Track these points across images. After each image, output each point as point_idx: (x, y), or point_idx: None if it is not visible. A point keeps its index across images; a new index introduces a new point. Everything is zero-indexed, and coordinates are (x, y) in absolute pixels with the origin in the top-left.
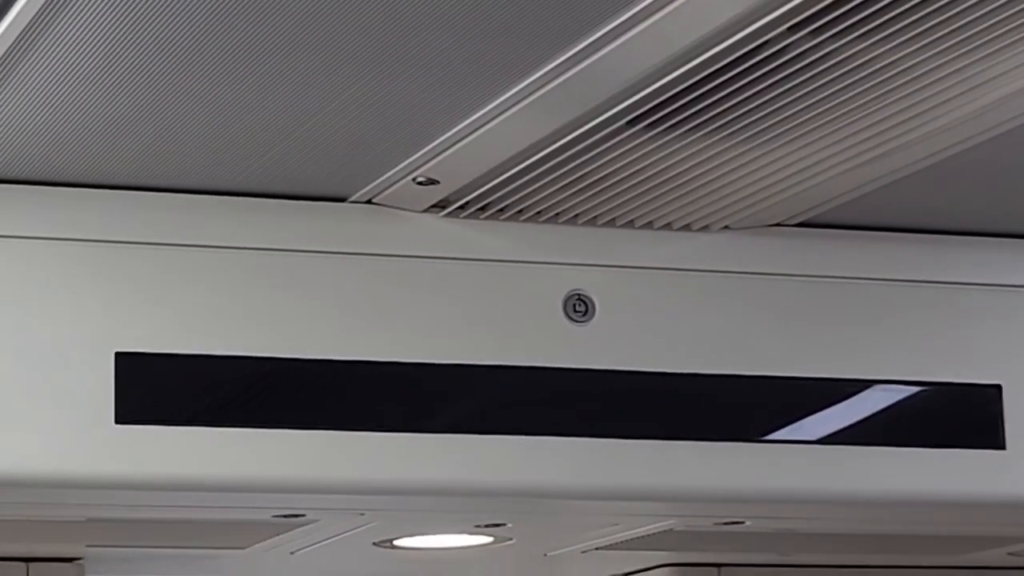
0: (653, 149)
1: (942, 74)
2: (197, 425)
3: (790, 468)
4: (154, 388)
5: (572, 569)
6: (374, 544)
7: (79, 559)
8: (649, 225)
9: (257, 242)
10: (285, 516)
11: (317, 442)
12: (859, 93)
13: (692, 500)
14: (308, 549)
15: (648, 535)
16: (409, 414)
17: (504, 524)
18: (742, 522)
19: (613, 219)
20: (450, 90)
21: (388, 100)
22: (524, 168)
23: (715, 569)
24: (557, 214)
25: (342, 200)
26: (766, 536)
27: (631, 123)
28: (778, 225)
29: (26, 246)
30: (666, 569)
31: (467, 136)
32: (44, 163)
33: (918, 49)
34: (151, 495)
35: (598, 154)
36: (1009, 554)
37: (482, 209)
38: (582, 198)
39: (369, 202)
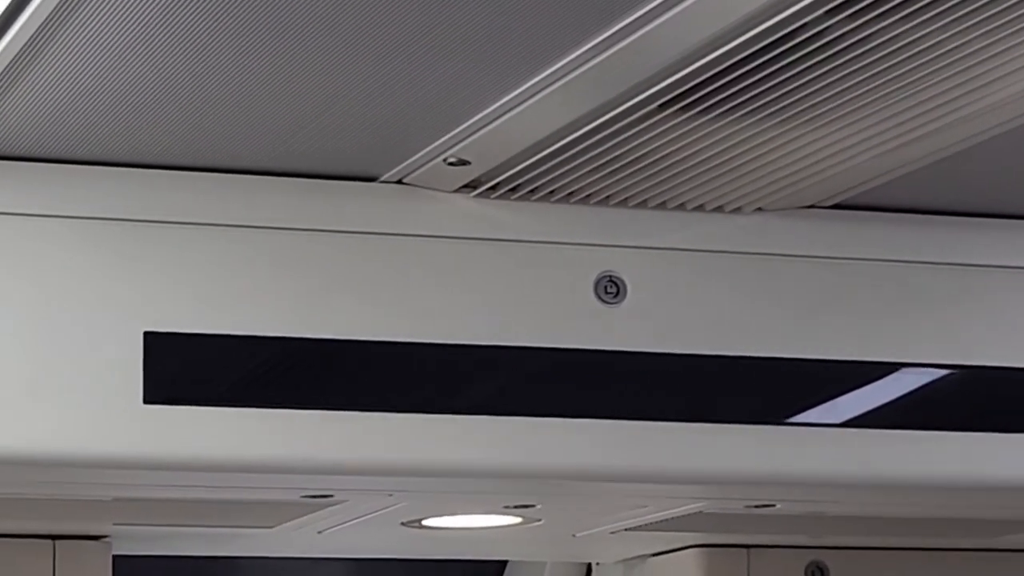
0: (687, 131)
1: (981, 57)
2: (225, 405)
3: (821, 451)
4: (183, 368)
5: (600, 549)
6: (402, 524)
7: (106, 537)
8: (681, 207)
9: (287, 222)
10: (314, 496)
11: (346, 423)
12: (896, 76)
13: (722, 483)
14: (336, 528)
15: (677, 517)
16: (439, 395)
17: (533, 505)
18: (773, 505)
19: (645, 200)
20: (484, 70)
21: (421, 80)
22: (556, 150)
23: (744, 550)
24: (588, 195)
25: (373, 180)
26: (796, 518)
27: (664, 105)
28: (812, 207)
29: (55, 225)
30: (695, 550)
31: (500, 117)
32: (73, 142)
33: (956, 33)
34: (179, 475)
35: (631, 136)
36: None
37: (513, 190)
38: (614, 179)
39: (400, 182)
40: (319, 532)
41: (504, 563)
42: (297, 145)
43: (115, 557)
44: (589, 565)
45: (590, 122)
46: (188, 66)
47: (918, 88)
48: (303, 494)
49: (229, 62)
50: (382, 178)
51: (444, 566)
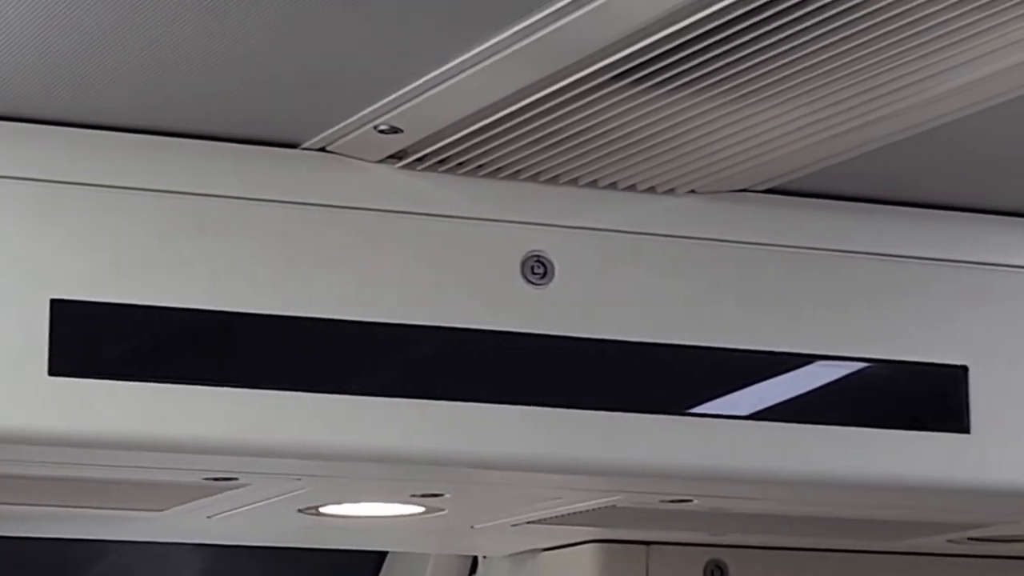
0: (626, 108)
1: (924, 51)
2: (136, 380)
3: (746, 445)
4: (91, 339)
5: (492, 542)
6: (299, 511)
7: None
8: (613, 186)
9: (202, 187)
10: (217, 479)
11: (259, 402)
12: (849, 62)
13: (643, 475)
14: (228, 514)
15: (586, 511)
16: (355, 375)
17: (441, 495)
18: (690, 500)
19: (576, 178)
20: (424, 38)
21: (358, 44)
22: (492, 122)
23: (644, 547)
24: (518, 171)
25: (294, 146)
26: (703, 515)
27: (606, 81)
28: (745, 191)
29: None
30: (592, 545)
31: (438, 85)
32: None
33: (903, 25)
34: (82, 452)
35: (569, 112)
36: (949, 541)
37: (441, 162)
38: (547, 156)
39: (323, 150)
40: (209, 517)
41: (383, 556)
42: (217, 108)
43: None
44: (475, 559)
45: (529, 96)
46: (106, 22)
47: (861, 77)
48: (207, 476)
49: (148, 18)
50: (304, 145)
51: (315, 557)
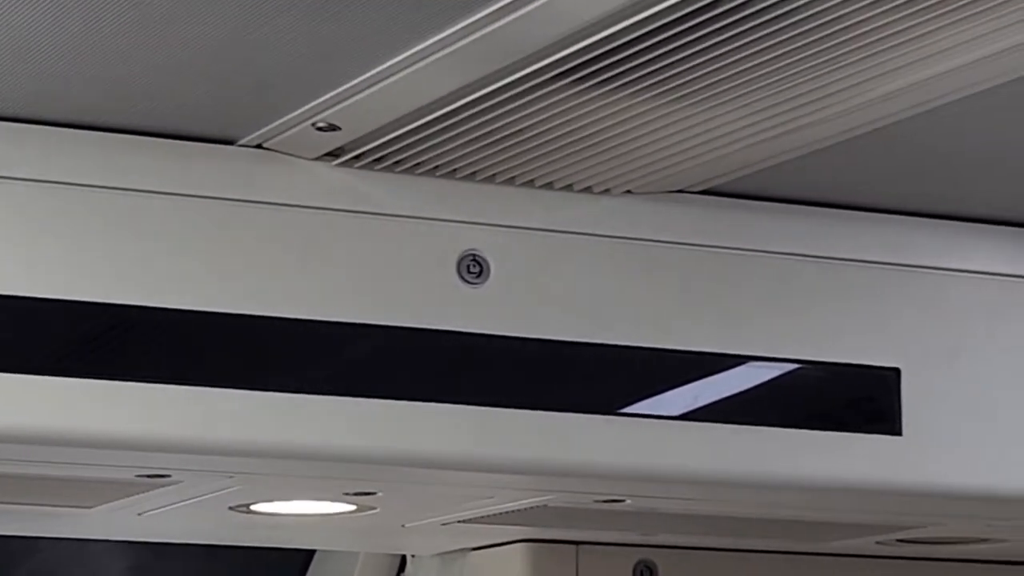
0: (564, 108)
1: (861, 55)
2: (70, 376)
3: (680, 446)
4: (15, 333)
5: (422, 541)
6: (230, 508)
7: None
8: (550, 186)
9: (134, 183)
10: (149, 476)
11: (193, 399)
12: (786, 64)
13: (575, 475)
14: (158, 511)
15: (517, 510)
16: (288, 373)
17: (374, 493)
18: (622, 500)
19: (512, 178)
20: (364, 35)
21: (298, 41)
22: (430, 120)
23: (573, 547)
24: (455, 170)
25: (231, 143)
26: (634, 515)
27: (546, 80)
28: (681, 192)
29: None
30: (522, 545)
31: (377, 83)
32: None
33: (841, 29)
34: (15, 448)
35: (508, 111)
36: (877, 543)
37: (378, 160)
38: (484, 155)
39: (260, 147)
40: (139, 514)
41: (311, 555)
42: (152, 103)
43: None
44: (403, 558)
45: (467, 95)
46: (35, 15)
47: (798, 80)
48: (139, 473)
49: (78, 10)
50: (240, 142)
51: (243, 556)
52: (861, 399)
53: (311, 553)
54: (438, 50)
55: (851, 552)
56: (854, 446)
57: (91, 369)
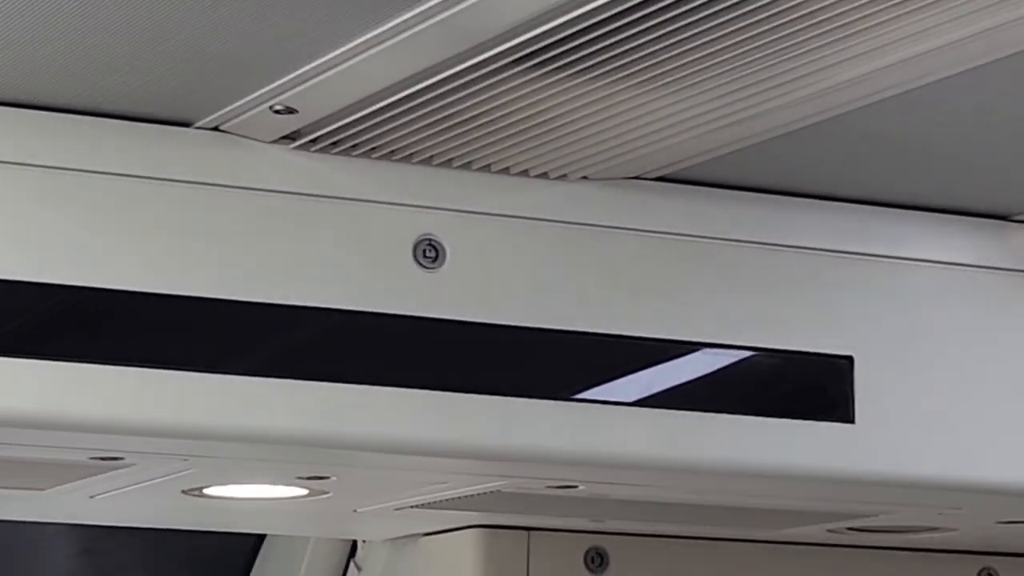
0: (523, 93)
1: (832, 39)
2: (23, 356)
3: (630, 431)
4: None
5: (373, 526)
6: (183, 491)
7: None
8: (506, 171)
9: (90, 164)
10: (103, 458)
11: (147, 382)
12: (744, 52)
13: (527, 460)
14: (111, 494)
15: (470, 496)
16: (241, 355)
17: (327, 477)
18: (575, 486)
19: (469, 163)
20: (324, 16)
21: (255, 23)
22: (388, 104)
23: (524, 532)
24: (411, 154)
25: (187, 125)
26: (586, 502)
27: (505, 65)
28: (637, 178)
29: None
30: (474, 530)
31: (335, 66)
32: None
33: (803, 16)
34: None
35: (466, 95)
36: (828, 531)
37: (334, 144)
38: (441, 139)
39: (216, 129)
40: (91, 497)
41: (260, 539)
42: (108, 84)
43: None
44: (354, 543)
45: (425, 79)
46: None
47: (756, 67)
48: (92, 455)
49: None
50: (197, 124)
51: (193, 540)
52: (814, 387)
53: (261, 538)
54: (396, 34)
55: (802, 540)
56: (807, 434)
57: (45, 350)
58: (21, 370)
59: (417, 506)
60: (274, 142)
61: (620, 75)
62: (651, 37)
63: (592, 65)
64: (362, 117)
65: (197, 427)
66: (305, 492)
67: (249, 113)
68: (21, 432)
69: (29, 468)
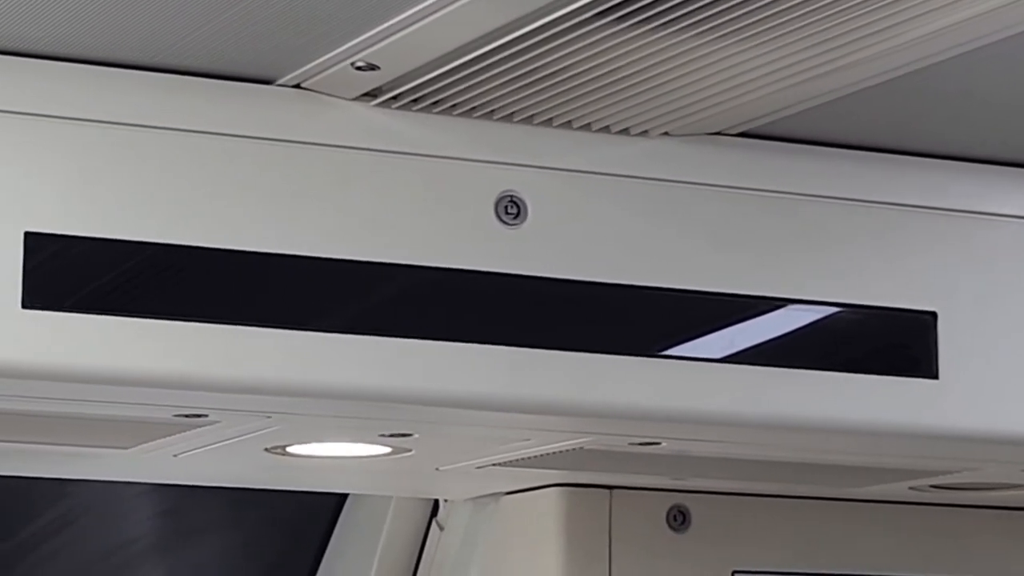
0: (607, 46)
1: None
2: (111, 314)
3: (717, 388)
4: (65, 272)
5: (455, 485)
6: (265, 450)
7: None
8: (587, 127)
9: (177, 123)
10: (187, 416)
11: (232, 338)
12: (826, 4)
13: (611, 417)
14: (194, 452)
15: (553, 453)
16: (328, 312)
17: (411, 435)
18: (658, 443)
19: (550, 119)
20: None
21: None
22: (471, 60)
23: (607, 491)
24: (492, 111)
25: (269, 82)
26: (668, 459)
27: (589, 18)
28: (719, 134)
29: None
30: (556, 489)
31: (418, 21)
32: None
33: None
34: (51, 386)
35: (548, 50)
36: (911, 488)
37: (416, 101)
38: (523, 95)
39: (298, 86)
40: (175, 456)
41: (342, 501)
42: (192, 42)
43: None
44: (436, 502)
45: (507, 34)
46: None
47: (838, 20)
48: (176, 412)
49: None
50: (279, 81)
51: (274, 501)
52: (898, 343)
53: (342, 499)
54: None
55: (884, 498)
56: (891, 390)
57: (131, 307)
58: (107, 327)
59: (499, 464)
60: (356, 99)
61: (702, 29)
62: None
63: (674, 19)
64: (444, 73)
65: (282, 384)
66: (388, 450)
67: (331, 70)
68: (107, 389)
69: (114, 426)
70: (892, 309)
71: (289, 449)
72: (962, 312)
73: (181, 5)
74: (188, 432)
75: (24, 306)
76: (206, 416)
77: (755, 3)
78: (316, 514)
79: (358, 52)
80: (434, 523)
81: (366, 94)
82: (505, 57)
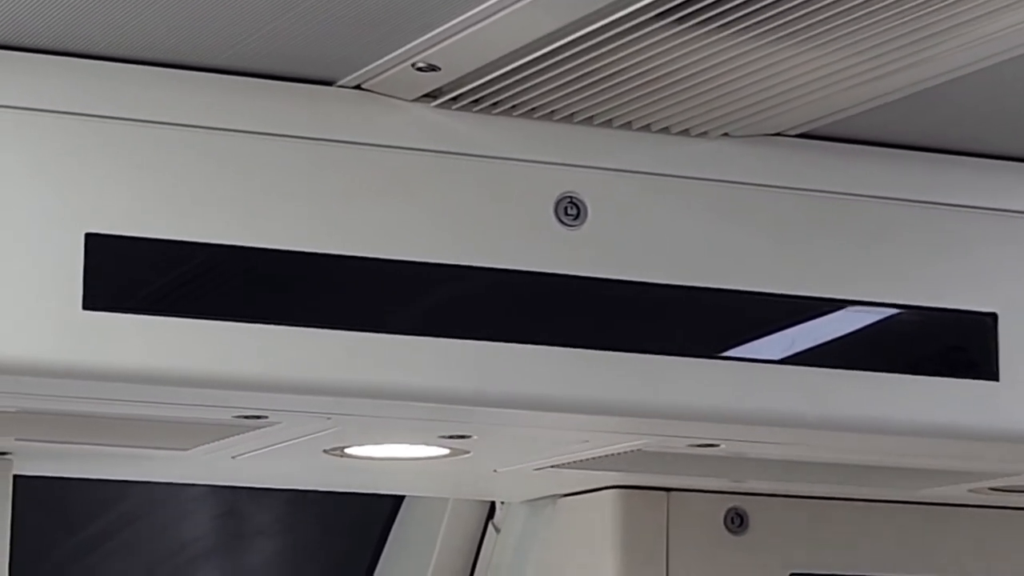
0: (667, 47)
1: None
2: (171, 315)
3: (776, 390)
4: (126, 274)
5: (512, 487)
6: (324, 451)
7: (7, 454)
8: (647, 128)
9: (237, 124)
10: (247, 417)
11: (293, 339)
12: (888, 4)
13: (674, 418)
14: (253, 454)
15: (611, 455)
16: (388, 314)
17: (469, 436)
18: (717, 445)
19: (610, 120)
20: None
21: None
22: (531, 61)
23: (664, 493)
24: (552, 112)
25: (329, 84)
26: (726, 461)
27: (649, 19)
28: (778, 135)
29: None
30: (613, 491)
31: (479, 22)
32: (14, 27)
33: None
34: (112, 387)
35: (609, 51)
36: (969, 491)
37: (476, 102)
38: (582, 96)
39: (358, 87)
40: (233, 457)
41: (398, 503)
42: (254, 44)
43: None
44: (492, 504)
45: (567, 35)
46: None
47: (899, 20)
48: (236, 414)
49: None
50: (339, 82)
51: (330, 503)
52: (958, 344)
53: (399, 501)
54: None
55: (942, 500)
56: (951, 391)
57: (191, 309)
58: (168, 328)
59: (557, 466)
60: (416, 100)
61: (763, 29)
62: None
63: (735, 19)
64: (504, 74)
65: (342, 385)
66: (446, 452)
67: (391, 71)
68: (167, 391)
69: (174, 428)
70: (952, 311)
71: (347, 450)
72: (1023, 313)
73: (243, 6)
74: (247, 434)
75: (85, 307)
76: (266, 418)
77: (816, 4)
78: (373, 516)
79: (419, 53)
80: (490, 525)
81: (426, 95)
82: (565, 58)
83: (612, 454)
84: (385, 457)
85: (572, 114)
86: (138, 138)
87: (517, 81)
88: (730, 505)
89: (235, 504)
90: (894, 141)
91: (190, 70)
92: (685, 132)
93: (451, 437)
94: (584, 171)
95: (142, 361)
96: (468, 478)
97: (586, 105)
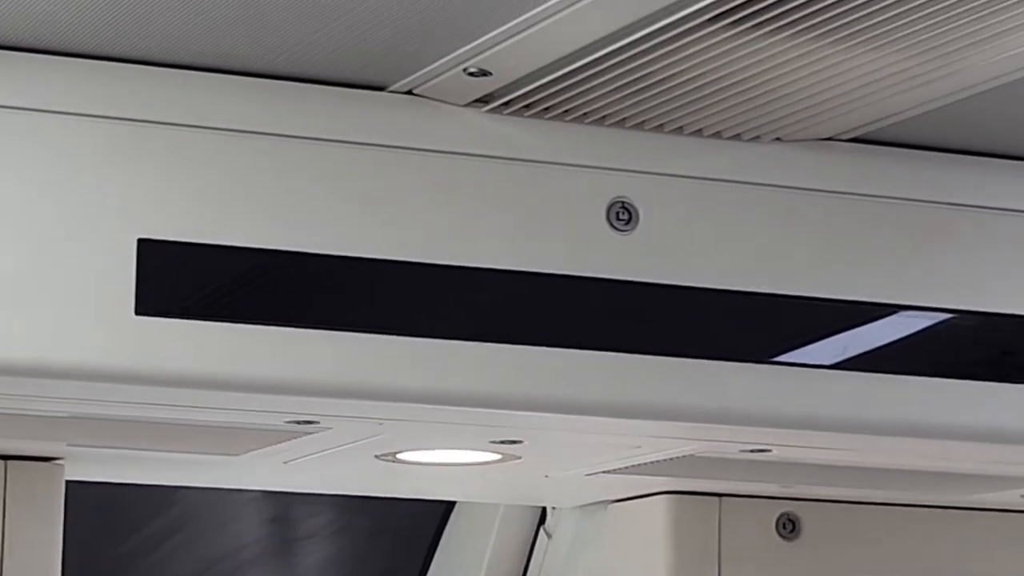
0: (718, 52)
1: None
2: (223, 320)
3: (830, 395)
4: (178, 279)
5: (563, 493)
6: (376, 457)
7: (59, 459)
8: (699, 132)
9: (289, 129)
10: (299, 422)
11: (345, 345)
12: (941, 8)
13: (727, 423)
14: (304, 459)
15: (663, 460)
16: (441, 319)
17: (520, 442)
18: (769, 450)
19: (662, 125)
20: None
21: None
22: (582, 66)
23: (716, 499)
24: (604, 116)
25: (381, 89)
26: (778, 466)
27: (697, 25)
28: (830, 139)
29: (47, 121)
30: (664, 496)
31: (530, 27)
32: (68, 33)
33: None
34: (167, 392)
35: (660, 55)
36: (1022, 496)
37: (528, 107)
38: (634, 101)
39: (410, 92)
40: (284, 462)
41: (449, 509)
42: (305, 49)
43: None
44: (543, 510)
45: (618, 40)
46: None
47: (952, 24)
48: (288, 419)
49: None
50: (391, 88)
51: (381, 509)
52: (1011, 348)
53: (450, 507)
54: None
55: (995, 506)
56: (1005, 396)
57: (242, 314)
58: (219, 334)
59: (608, 472)
60: (468, 105)
61: (815, 34)
62: None
63: (787, 23)
64: (556, 79)
65: (394, 390)
66: (498, 457)
67: (443, 76)
68: (219, 396)
69: (226, 433)
70: (1005, 315)
71: (399, 456)
72: None
73: (296, 13)
74: (299, 439)
75: (137, 313)
76: (317, 423)
77: (869, 8)
78: (424, 521)
79: (470, 58)
80: (542, 531)
81: (478, 100)
82: (617, 63)
83: (664, 459)
84: (436, 463)
85: (624, 119)
86: (191, 144)
87: (568, 86)
88: (782, 511)
89: (286, 509)
90: (946, 145)
91: (243, 76)
92: (737, 136)
93: (502, 442)
94: (636, 176)
95: (193, 366)
96: (519, 484)
97: (638, 110)
